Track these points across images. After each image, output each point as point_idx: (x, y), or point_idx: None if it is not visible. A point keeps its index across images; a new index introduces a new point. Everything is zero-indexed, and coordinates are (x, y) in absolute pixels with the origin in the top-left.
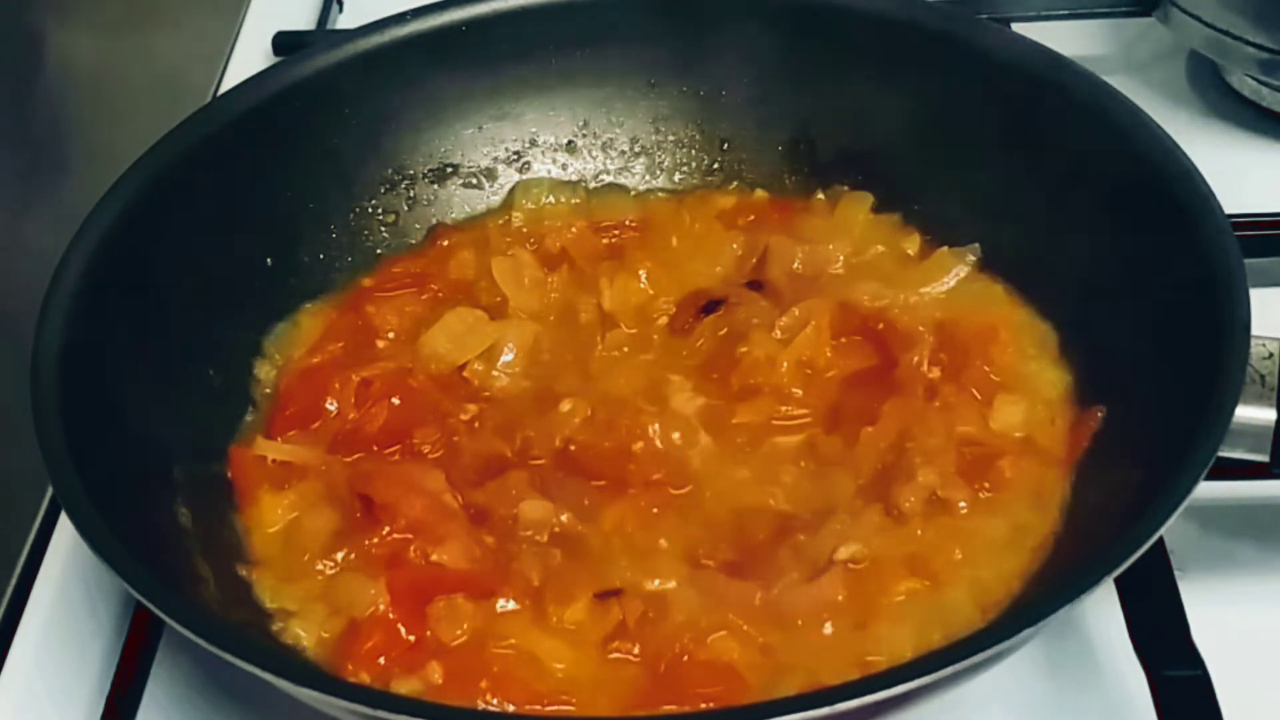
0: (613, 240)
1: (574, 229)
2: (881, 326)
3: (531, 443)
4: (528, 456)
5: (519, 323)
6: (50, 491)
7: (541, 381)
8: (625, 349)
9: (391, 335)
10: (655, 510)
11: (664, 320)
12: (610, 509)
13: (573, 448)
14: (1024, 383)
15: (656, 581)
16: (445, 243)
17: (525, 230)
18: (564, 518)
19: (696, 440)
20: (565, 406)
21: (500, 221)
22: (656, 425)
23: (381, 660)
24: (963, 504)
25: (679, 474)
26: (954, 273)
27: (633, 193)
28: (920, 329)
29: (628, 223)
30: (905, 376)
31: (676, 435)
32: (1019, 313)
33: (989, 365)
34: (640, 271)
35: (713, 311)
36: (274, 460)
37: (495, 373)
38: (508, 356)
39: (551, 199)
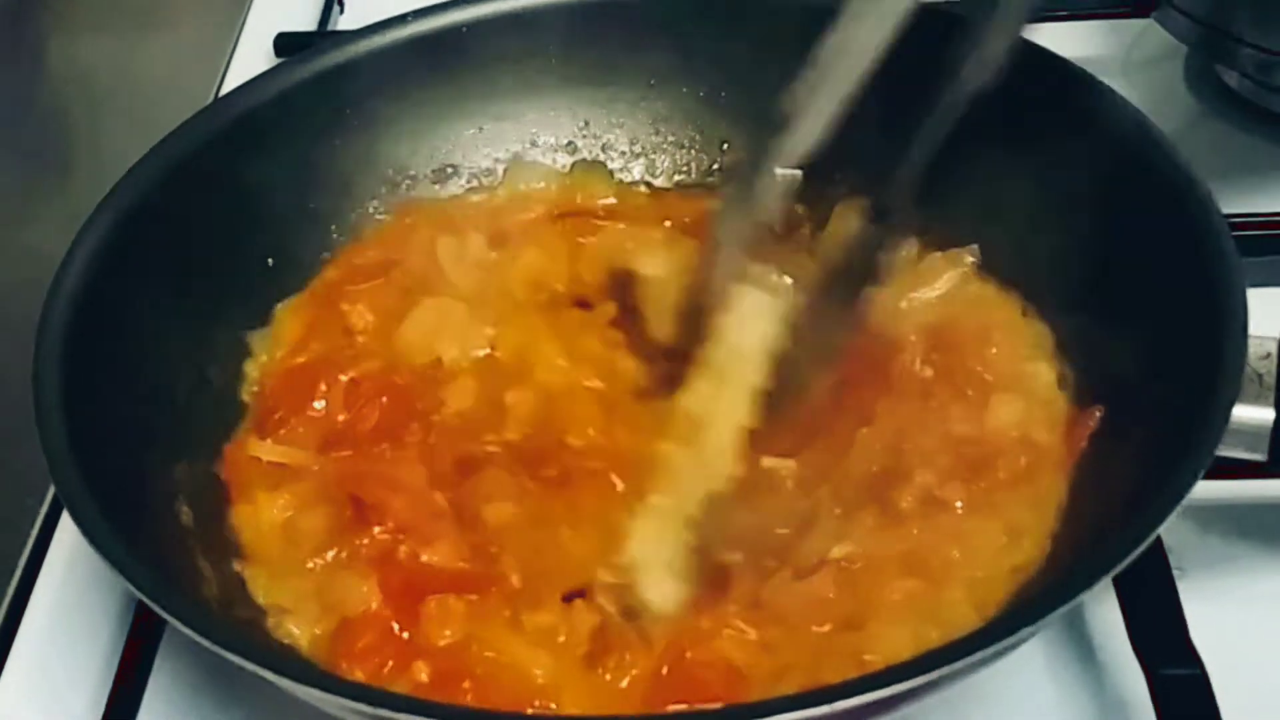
0: (577, 223)
1: (534, 213)
2: (874, 328)
3: (508, 437)
4: (505, 452)
5: (490, 309)
6: (52, 490)
7: (521, 371)
8: (602, 335)
9: (369, 330)
10: (638, 511)
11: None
12: (586, 507)
13: (546, 441)
14: (1020, 382)
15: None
16: (390, 226)
17: (485, 212)
18: (535, 518)
19: (686, 440)
20: (538, 395)
21: (459, 203)
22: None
23: (375, 659)
24: (959, 504)
25: (668, 474)
26: (947, 277)
27: (617, 180)
28: (912, 336)
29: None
30: (899, 377)
31: (668, 435)
32: (1015, 314)
33: (982, 365)
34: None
35: None
36: (267, 461)
37: (468, 363)
38: (479, 345)
39: (543, 185)
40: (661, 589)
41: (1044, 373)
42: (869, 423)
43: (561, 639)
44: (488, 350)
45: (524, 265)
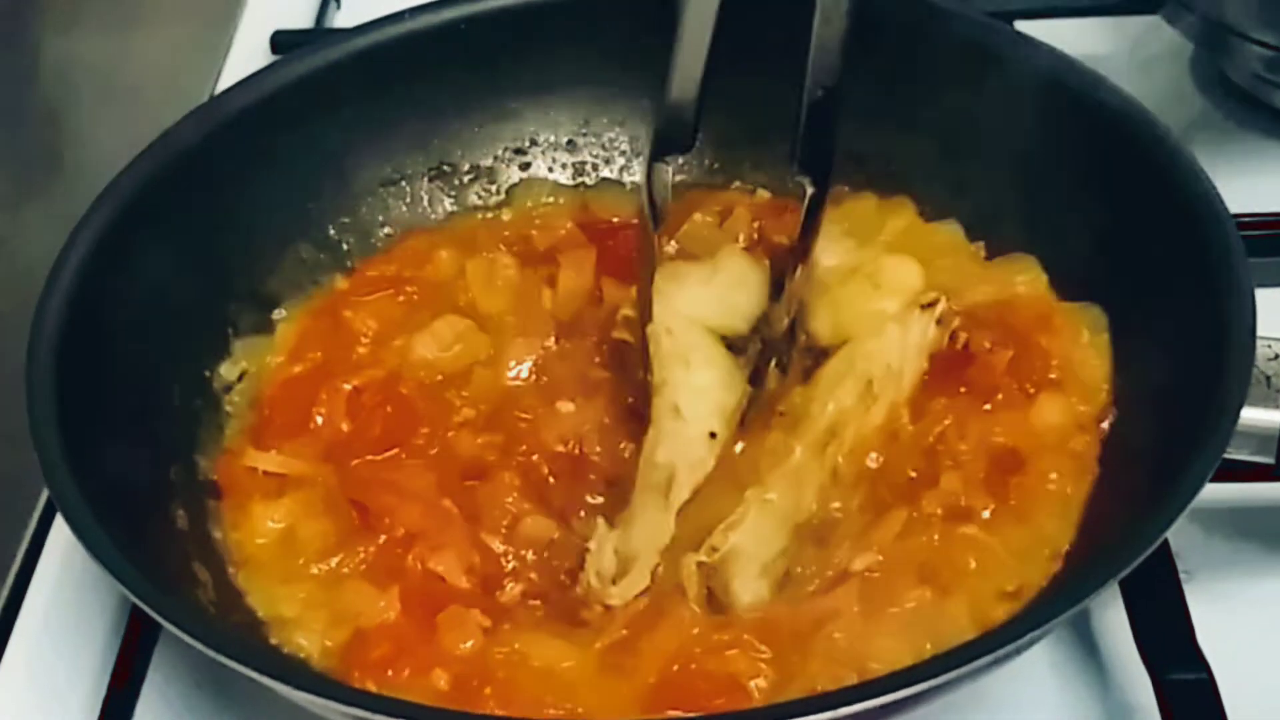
0: (609, 242)
1: (564, 229)
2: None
3: (523, 449)
4: (519, 462)
5: (509, 330)
6: (45, 493)
7: (534, 387)
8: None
9: (370, 340)
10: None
11: None
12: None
13: (567, 453)
14: (1073, 371)
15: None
16: (410, 243)
17: (511, 230)
18: (559, 530)
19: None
20: (565, 408)
21: (486, 219)
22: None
23: (389, 672)
24: (986, 512)
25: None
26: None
27: (629, 188)
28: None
29: (628, 222)
30: (980, 375)
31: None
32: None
33: (1041, 357)
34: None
35: None
36: (265, 471)
37: (485, 379)
38: (500, 362)
39: (551, 199)
40: (749, 585)
41: (1093, 360)
42: (916, 421)
43: (590, 642)
44: (510, 366)
45: (557, 288)
